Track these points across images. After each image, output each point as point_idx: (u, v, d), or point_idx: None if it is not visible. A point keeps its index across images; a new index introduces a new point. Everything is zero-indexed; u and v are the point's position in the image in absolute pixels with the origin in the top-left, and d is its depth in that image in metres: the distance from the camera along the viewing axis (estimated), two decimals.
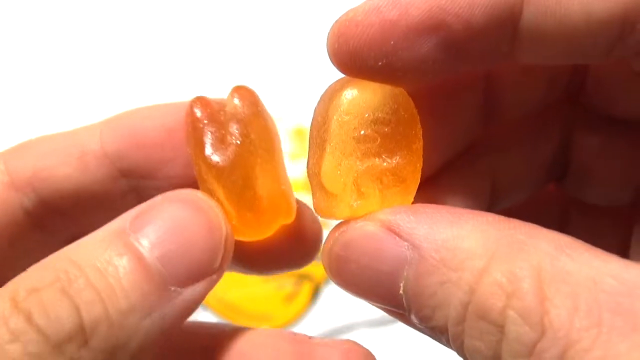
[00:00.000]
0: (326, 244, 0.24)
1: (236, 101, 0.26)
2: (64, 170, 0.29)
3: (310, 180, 0.25)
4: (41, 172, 0.29)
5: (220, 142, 0.25)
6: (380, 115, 0.24)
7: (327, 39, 0.24)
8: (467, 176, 0.29)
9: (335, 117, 0.24)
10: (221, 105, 0.26)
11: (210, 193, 0.25)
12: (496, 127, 0.29)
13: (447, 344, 0.22)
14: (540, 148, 0.30)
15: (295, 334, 0.27)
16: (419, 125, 0.25)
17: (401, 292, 0.22)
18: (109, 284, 0.21)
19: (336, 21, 0.24)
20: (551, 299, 0.19)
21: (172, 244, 0.23)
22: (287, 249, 0.29)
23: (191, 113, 0.25)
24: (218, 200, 0.25)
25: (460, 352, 0.21)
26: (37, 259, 0.32)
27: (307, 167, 0.25)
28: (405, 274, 0.22)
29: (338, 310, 0.60)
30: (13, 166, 0.30)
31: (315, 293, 0.61)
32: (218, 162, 0.25)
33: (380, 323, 0.58)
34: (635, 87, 0.27)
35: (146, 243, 0.22)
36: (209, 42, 0.77)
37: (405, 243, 0.22)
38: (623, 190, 0.30)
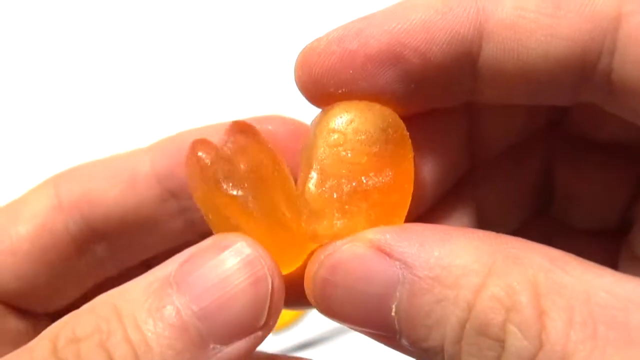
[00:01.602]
0: (309, 269, 0.23)
1: (237, 135, 0.25)
2: (112, 193, 0.30)
3: (298, 202, 0.24)
4: (89, 195, 0.30)
5: (233, 174, 0.24)
6: (368, 134, 0.24)
7: (294, 67, 0.25)
8: (452, 211, 0.29)
9: (322, 136, 0.24)
10: (222, 142, 0.25)
11: (236, 229, 0.24)
12: (479, 160, 0.29)
13: None
14: (524, 177, 0.30)
15: None
16: (409, 146, 0.24)
17: (393, 314, 0.21)
18: (144, 339, 0.21)
19: (302, 50, 0.24)
20: (548, 313, 0.19)
21: (212, 298, 0.22)
22: None
23: (193, 156, 0.24)
24: (249, 233, 0.23)
25: None
26: (82, 286, 0.32)
27: (297, 186, 0.25)
28: (397, 294, 0.21)
29: None
30: (63, 190, 0.30)
31: None
32: (239, 192, 0.23)
33: None
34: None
35: (185, 298, 0.22)
36: (213, 43, 0.77)
37: (397, 263, 0.21)
38: (609, 213, 0.30)
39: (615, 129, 0.27)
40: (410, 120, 0.25)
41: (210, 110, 0.71)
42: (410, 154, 0.24)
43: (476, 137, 0.28)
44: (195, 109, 0.72)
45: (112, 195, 0.29)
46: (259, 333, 0.22)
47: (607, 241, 0.30)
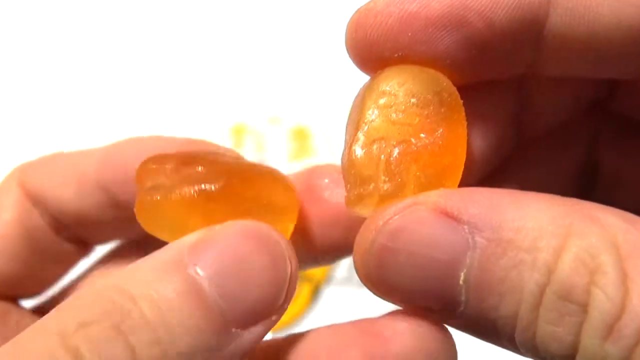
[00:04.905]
0: (364, 238, 0.21)
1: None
2: (66, 195, 0.30)
3: (342, 171, 0.23)
4: (46, 193, 0.30)
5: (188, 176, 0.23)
6: (420, 97, 0.22)
7: (346, 28, 0.24)
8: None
9: (371, 100, 0.23)
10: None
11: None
12: (524, 139, 0.28)
13: (506, 339, 0.20)
14: (568, 159, 0.29)
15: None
16: (463, 112, 0.23)
17: (461, 282, 0.20)
18: (166, 321, 0.19)
19: (356, 11, 0.23)
20: (630, 275, 0.18)
21: (233, 278, 0.20)
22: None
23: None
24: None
25: (528, 343, 0.20)
26: (68, 266, 0.32)
27: (341, 157, 0.23)
28: (467, 260, 0.20)
29: (338, 311, 0.60)
30: (29, 182, 0.30)
31: (314, 294, 0.61)
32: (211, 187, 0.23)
33: None
34: None
35: (205, 277, 0.20)
36: (211, 42, 0.77)
37: (466, 227, 0.20)
38: None
39: None
40: (459, 92, 0.24)
41: (188, 109, 0.71)
42: (464, 120, 0.23)
43: (524, 113, 0.27)
44: (177, 106, 0.72)
45: (65, 197, 0.30)
46: (274, 317, 0.21)
47: None
